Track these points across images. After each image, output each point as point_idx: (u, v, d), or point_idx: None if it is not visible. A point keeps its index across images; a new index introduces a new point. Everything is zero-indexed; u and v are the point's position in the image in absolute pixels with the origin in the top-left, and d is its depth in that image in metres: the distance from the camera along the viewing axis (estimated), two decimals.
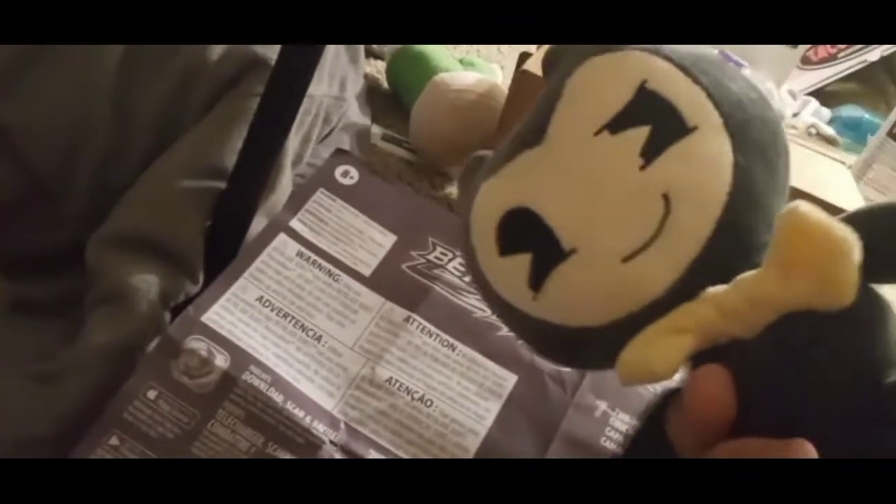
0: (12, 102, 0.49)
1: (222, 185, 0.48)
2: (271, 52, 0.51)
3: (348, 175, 0.51)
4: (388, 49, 0.87)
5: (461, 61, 0.84)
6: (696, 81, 0.29)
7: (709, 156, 0.28)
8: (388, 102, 0.84)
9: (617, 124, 0.29)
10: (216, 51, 0.51)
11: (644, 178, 0.28)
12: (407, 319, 0.46)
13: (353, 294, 0.47)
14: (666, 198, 0.28)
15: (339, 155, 0.52)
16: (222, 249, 0.46)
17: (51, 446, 0.39)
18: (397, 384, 0.44)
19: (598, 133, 0.29)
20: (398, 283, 0.48)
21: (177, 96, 0.50)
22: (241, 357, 0.42)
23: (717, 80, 0.30)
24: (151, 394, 0.41)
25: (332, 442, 0.42)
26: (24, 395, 0.41)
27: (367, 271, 0.48)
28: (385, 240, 0.49)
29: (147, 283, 0.44)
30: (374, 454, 0.42)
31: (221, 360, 0.42)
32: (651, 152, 0.28)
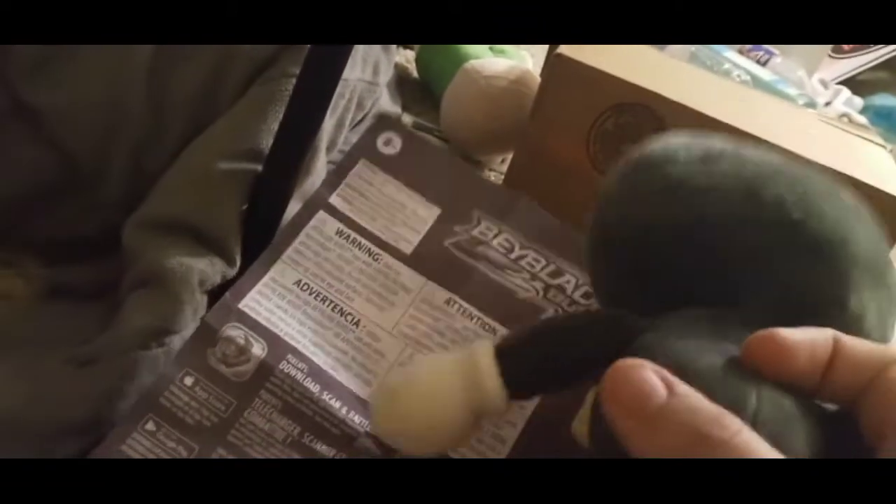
0: (48, 86, 0.47)
1: (259, 167, 0.46)
2: None
3: (391, 143, 0.47)
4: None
5: (491, 48, 0.82)
6: None
7: None
8: (417, 91, 0.82)
9: None
10: None
11: None
12: (448, 301, 0.44)
13: (394, 274, 0.44)
14: None
15: (382, 121, 0.48)
16: (259, 232, 0.44)
17: (88, 429, 0.38)
18: None
19: None
20: (440, 262, 0.45)
21: (212, 79, 0.48)
22: (278, 346, 0.40)
23: None
24: (188, 380, 0.39)
25: (367, 433, 0.39)
26: (62, 378, 0.39)
27: (408, 249, 0.45)
28: (428, 213, 0.46)
29: (184, 265, 0.42)
30: None
31: (258, 349, 0.40)
32: None
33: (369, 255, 0.45)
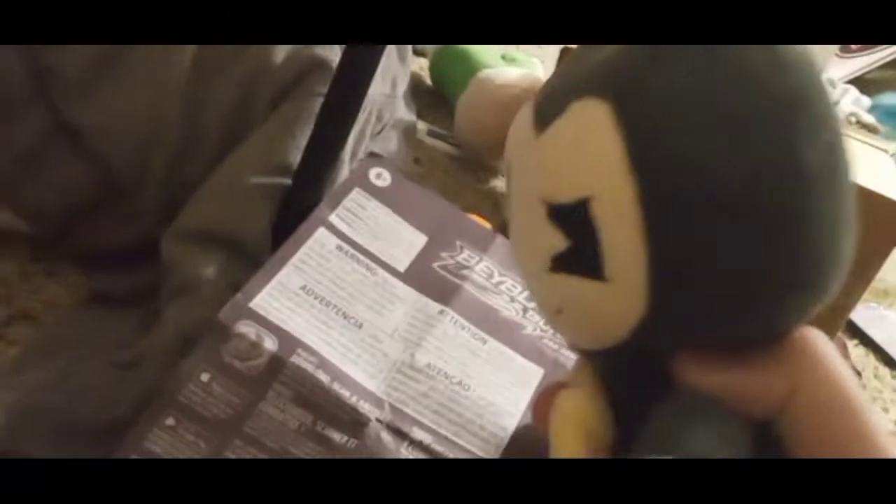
0: (90, 105, 0.51)
1: (288, 180, 0.50)
2: (332, 53, 0.53)
3: (381, 177, 0.52)
4: (430, 47, 0.88)
5: (503, 57, 0.85)
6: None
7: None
8: (431, 99, 0.85)
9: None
10: (280, 53, 0.52)
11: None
12: (441, 312, 0.48)
13: (390, 287, 0.48)
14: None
15: (373, 158, 0.54)
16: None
17: (120, 432, 0.41)
18: (436, 369, 0.46)
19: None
20: (430, 280, 0.49)
21: (244, 97, 0.52)
22: (288, 341, 0.44)
23: None
24: (204, 376, 0.43)
25: (377, 420, 0.43)
26: (106, 380, 0.43)
27: (401, 267, 0.50)
28: (417, 239, 0.51)
29: (219, 274, 0.46)
30: (417, 431, 0.44)
31: (270, 344, 0.44)
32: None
33: (366, 269, 0.49)
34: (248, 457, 0.41)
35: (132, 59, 0.49)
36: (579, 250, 0.28)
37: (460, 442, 0.44)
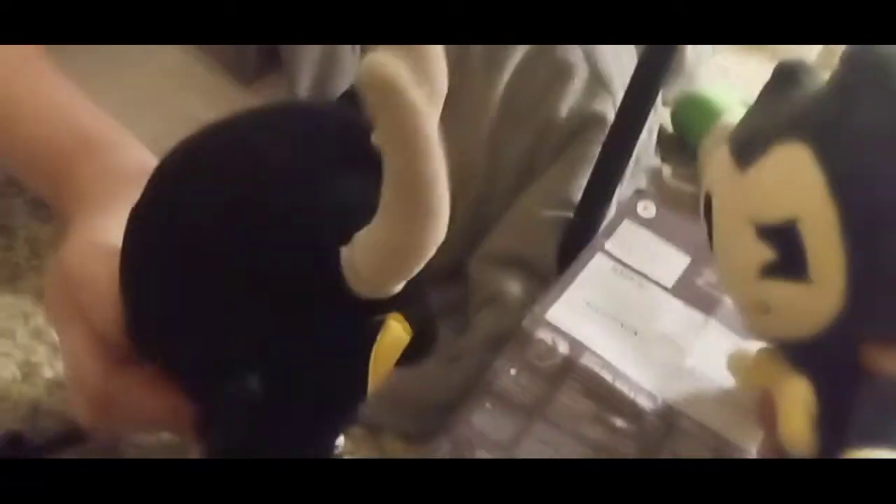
0: None
1: (570, 214, 0.60)
2: (608, 108, 0.62)
3: (647, 209, 0.61)
4: (671, 96, 0.95)
5: (744, 103, 0.91)
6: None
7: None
8: (672, 144, 0.92)
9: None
10: (564, 110, 0.62)
11: None
12: (706, 321, 0.56)
13: (659, 300, 0.57)
14: None
15: (638, 194, 0.63)
16: (570, 264, 0.58)
17: (450, 409, 0.52)
18: (701, 372, 0.53)
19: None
20: (695, 293, 0.57)
21: (534, 145, 0.62)
22: (577, 346, 0.54)
23: None
24: (512, 371, 0.53)
25: (651, 411, 0.51)
26: (435, 370, 0.54)
27: (668, 283, 0.58)
28: (681, 260, 0.59)
29: (517, 290, 0.57)
30: (685, 421, 0.51)
31: (563, 348, 0.53)
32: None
33: (639, 285, 0.57)
34: (549, 437, 0.51)
35: (449, 119, 0.61)
36: (787, 260, 0.37)
37: (724, 435, 0.51)
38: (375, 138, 0.30)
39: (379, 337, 0.32)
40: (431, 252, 0.29)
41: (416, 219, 0.28)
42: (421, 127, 0.27)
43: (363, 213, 0.29)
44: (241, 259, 0.31)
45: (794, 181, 0.36)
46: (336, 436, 0.40)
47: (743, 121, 0.41)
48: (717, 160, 0.42)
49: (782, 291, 0.38)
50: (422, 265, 0.30)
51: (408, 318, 0.34)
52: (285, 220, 0.31)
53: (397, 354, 0.34)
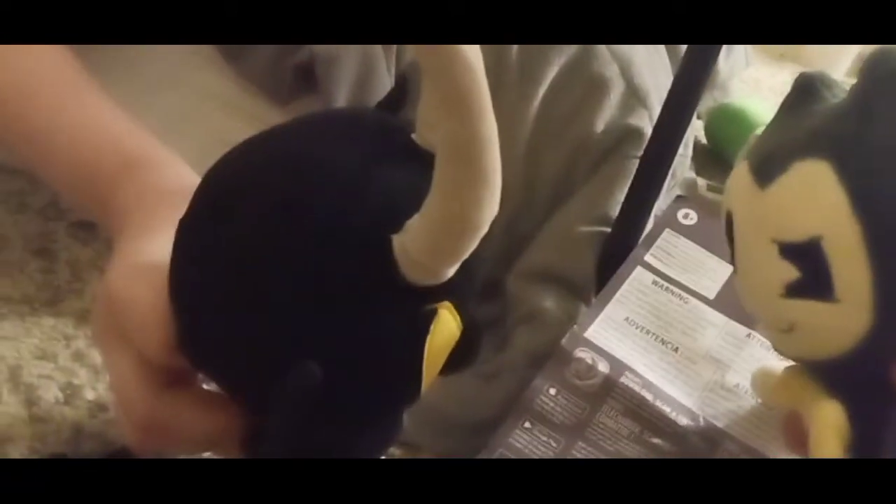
0: None
1: (608, 229, 0.59)
2: (644, 123, 0.62)
3: (689, 217, 0.60)
4: (704, 109, 0.95)
5: None
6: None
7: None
8: (706, 157, 0.91)
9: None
10: (600, 125, 0.62)
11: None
12: (748, 335, 0.54)
13: (701, 313, 0.56)
14: None
15: (680, 200, 0.61)
16: (608, 280, 0.57)
17: (488, 428, 0.51)
18: (744, 389, 0.52)
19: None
20: (737, 307, 0.55)
21: (570, 161, 0.62)
22: (617, 365, 0.53)
23: None
24: (552, 391, 0.52)
25: (693, 432, 0.50)
26: (473, 388, 0.54)
27: (710, 295, 0.57)
28: (723, 270, 0.57)
29: (555, 306, 0.56)
30: (728, 443, 0.50)
31: (603, 367, 0.53)
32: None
33: (680, 299, 0.56)
34: (590, 457, 0.50)
35: None
36: (812, 278, 0.36)
37: (768, 455, 0.50)
38: (417, 136, 0.33)
39: (432, 326, 0.32)
40: (485, 225, 0.30)
41: (470, 184, 0.28)
42: (476, 84, 0.27)
43: (411, 203, 0.30)
44: (292, 260, 0.31)
45: (816, 199, 0.35)
46: (393, 435, 0.39)
47: (762, 137, 0.41)
48: (736, 178, 0.41)
49: (807, 311, 0.37)
50: (475, 241, 0.30)
51: (458, 309, 0.33)
52: (334, 217, 0.31)
53: (449, 347, 0.34)
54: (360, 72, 0.60)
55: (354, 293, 0.31)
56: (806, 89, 0.39)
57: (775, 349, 0.43)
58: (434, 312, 0.32)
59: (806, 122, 0.37)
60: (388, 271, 0.31)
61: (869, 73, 0.36)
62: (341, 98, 0.59)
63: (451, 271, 0.31)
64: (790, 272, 0.37)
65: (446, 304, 0.33)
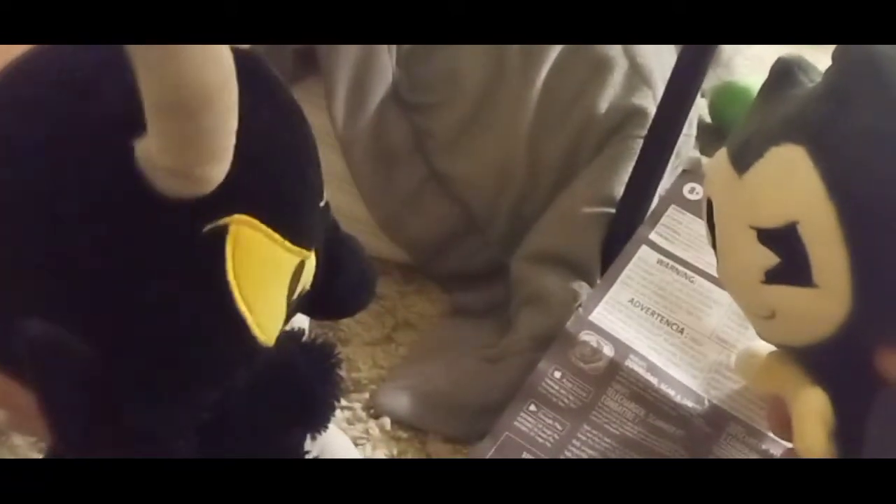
0: (456, 157, 0.61)
1: (612, 210, 0.58)
2: (647, 102, 0.60)
3: (694, 191, 0.58)
4: (708, 87, 0.93)
5: None
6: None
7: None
8: (710, 135, 0.90)
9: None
10: (603, 105, 0.61)
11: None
12: None
13: (706, 291, 0.54)
14: None
15: (686, 175, 0.60)
16: (613, 261, 0.56)
17: (494, 411, 0.50)
18: None
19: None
20: None
21: (574, 143, 0.61)
22: (622, 347, 0.52)
23: None
24: (557, 374, 0.51)
25: (699, 415, 0.49)
26: (479, 372, 0.54)
27: (715, 272, 0.55)
28: None
29: (560, 288, 0.55)
30: (733, 425, 0.49)
31: (608, 350, 0.52)
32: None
33: (685, 277, 0.55)
34: (595, 440, 0.49)
35: (488, 118, 0.60)
36: (790, 264, 0.35)
37: (772, 435, 0.49)
38: None
39: (227, 246, 0.26)
40: (211, 90, 0.23)
41: (172, 51, 0.22)
42: None
43: None
44: (15, 172, 0.26)
45: (791, 184, 0.34)
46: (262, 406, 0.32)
47: (741, 124, 0.39)
48: (715, 165, 0.40)
49: (787, 297, 0.36)
50: (211, 114, 0.23)
51: (281, 228, 0.27)
52: (64, 122, 0.26)
53: (273, 266, 0.28)
54: (360, 53, 0.58)
55: (104, 216, 0.25)
56: (783, 74, 0.38)
57: (759, 335, 0.41)
58: (223, 228, 0.26)
59: (782, 108, 0.36)
60: (140, 187, 0.25)
61: (842, 58, 0.35)
62: (342, 79, 0.58)
63: (215, 171, 0.25)
64: (769, 258, 0.36)
65: (243, 217, 0.26)
